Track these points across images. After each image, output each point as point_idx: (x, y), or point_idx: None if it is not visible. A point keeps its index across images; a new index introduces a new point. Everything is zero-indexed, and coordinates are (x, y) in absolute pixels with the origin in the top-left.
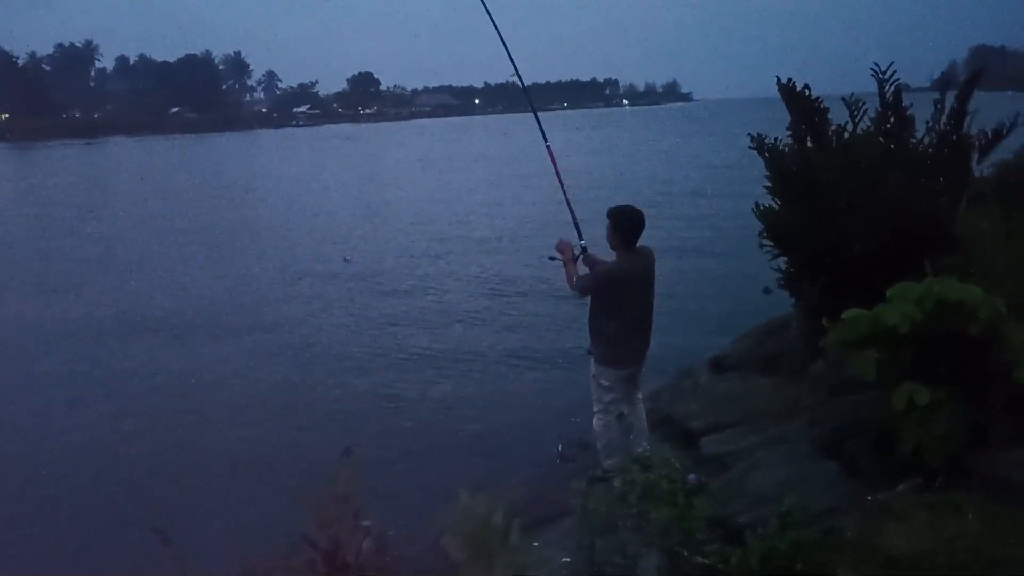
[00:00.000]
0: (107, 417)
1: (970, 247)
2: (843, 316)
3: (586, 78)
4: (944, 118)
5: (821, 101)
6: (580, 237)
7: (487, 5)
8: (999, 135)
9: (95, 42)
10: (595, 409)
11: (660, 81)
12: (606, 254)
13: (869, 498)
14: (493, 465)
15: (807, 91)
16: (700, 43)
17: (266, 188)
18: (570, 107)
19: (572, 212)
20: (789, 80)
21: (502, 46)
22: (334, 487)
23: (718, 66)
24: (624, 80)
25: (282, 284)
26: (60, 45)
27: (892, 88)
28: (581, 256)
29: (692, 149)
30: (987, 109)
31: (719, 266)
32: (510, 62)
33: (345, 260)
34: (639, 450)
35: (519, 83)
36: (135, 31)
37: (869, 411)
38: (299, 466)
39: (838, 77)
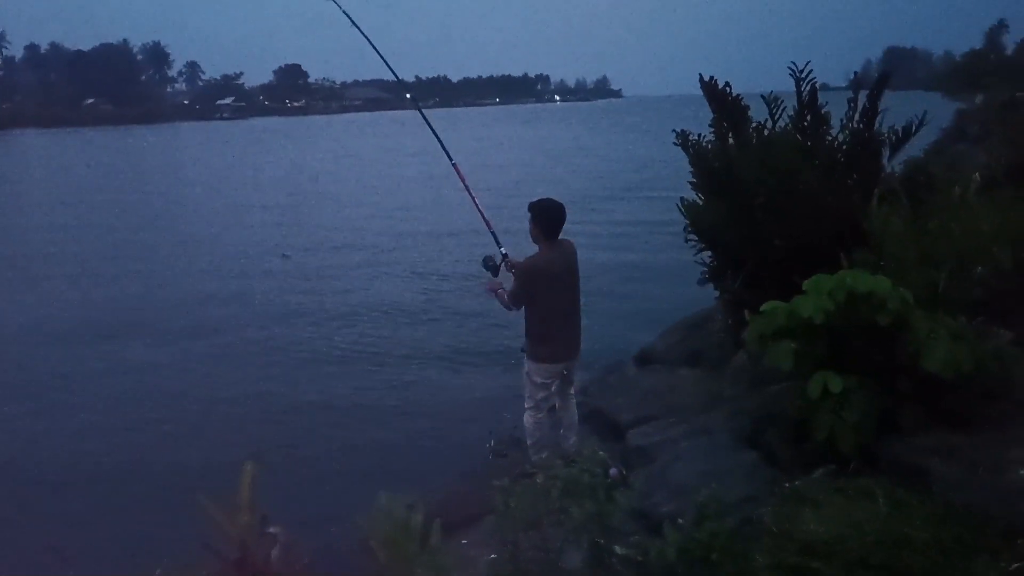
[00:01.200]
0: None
1: (880, 241)
2: (761, 309)
3: (518, 73)
4: (856, 116)
5: (741, 99)
6: (499, 245)
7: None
8: (908, 133)
9: (2, 29)
10: (527, 405)
11: (591, 77)
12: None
13: (787, 485)
14: (423, 464)
15: (728, 89)
16: (630, 41)
17: (190, 184)
18: (502, 102)
19: (488, 224)
20: (711, 78)
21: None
22: (239, 493)
23: (647, 63)
24: (555, 76)
25: (208, 283)
26: None
27: (808, 87)
28: (502, 263)
29: (621, 145)
30: (898, 108)
31: (646, 261)
32: (389, 69)
33: (283, 256)
34: (568, 444)
35: (395, 77)
36: (46, 18)
37: (786, 401)
38: (206, 474)
39: (762, 75)
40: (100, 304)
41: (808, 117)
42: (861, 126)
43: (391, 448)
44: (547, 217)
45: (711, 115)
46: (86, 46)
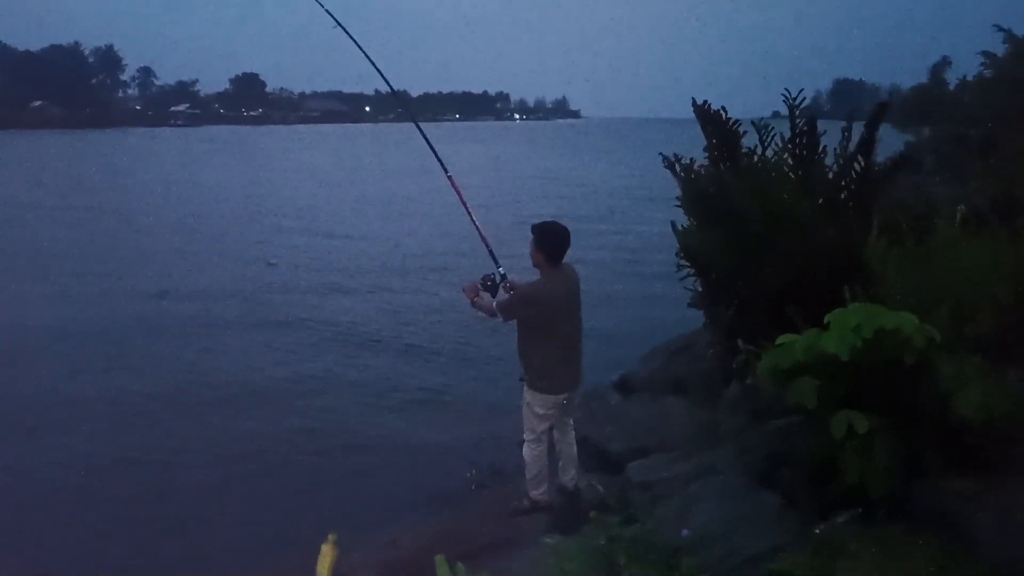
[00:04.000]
0: None
1: (880, 277)
2: (778, 341)
3: (478, 91)
4: (850, 146)
5: (739, 124)
6: (497, 264)
7: (348, 32)
8: (900, 164)
9: None
10: (526, 438)
11: (550, 97)
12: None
13: (817, 531)
14: (402, 499)
15: (724, 113)
16: (588, 63)
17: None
18: (461, 118)
19: (485, 240)
20: (704, 102)
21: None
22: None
23: (604, 86)
24: (515, 95)
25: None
26: None
27: (805, 116)
28: (502, 284)
29: (586, 167)
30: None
31: (617, 286)
32: (384, 80)
33: (269, 263)
34: (567, 478)
35: (392, 93)
36: None
37: (802, 439)
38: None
39: (715, 100)
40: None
41: (802, 146)
42: (856, 157)
43: (368, 478)
44: (552, 241)
45: (663, 138)
46: (35, 47)
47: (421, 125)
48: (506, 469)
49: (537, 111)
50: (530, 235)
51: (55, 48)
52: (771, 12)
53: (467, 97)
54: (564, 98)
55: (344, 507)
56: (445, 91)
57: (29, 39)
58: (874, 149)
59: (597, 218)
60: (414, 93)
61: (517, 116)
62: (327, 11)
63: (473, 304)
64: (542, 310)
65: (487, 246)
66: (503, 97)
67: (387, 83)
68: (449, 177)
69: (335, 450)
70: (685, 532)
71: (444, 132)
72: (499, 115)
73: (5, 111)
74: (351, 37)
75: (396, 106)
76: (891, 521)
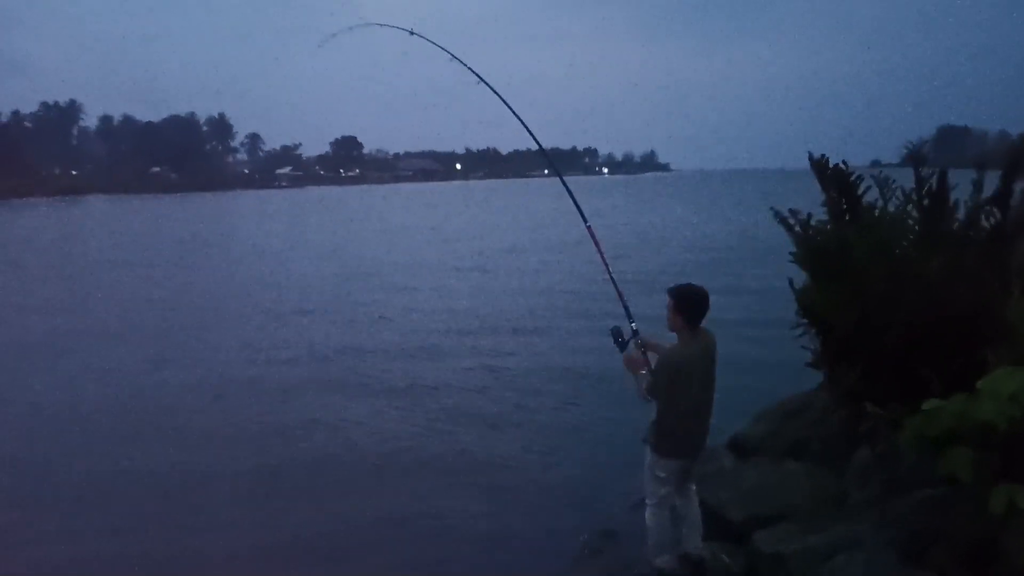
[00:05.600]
0: None
1: None
2: (924, 407)
3: (567, 146)
4: (981, 199)
5: (862, 178)
6: (630, 319)
7: (493, 88)
8: None
9: (79, 101)
10: (649, 502)
11: (639, 151)
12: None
13: None
14: (511, 560)
15: (845, 167)
16: (675, 118)
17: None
18: (550, 174)
19: (620, 294)
20: (822, 156)
21: (511, 117)
22: None
23: (691, 139)
24: (603, 149)
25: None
26: (44, 104)
27: (936, 171)
28: (632, 339)
29: (685, 219)
30: (962, 186)
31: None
32: (529, 134)
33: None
34: (691, 545)
35: (541, 149)
36: (120, 91)
37: (956, 514)
38: None
39: (816, 150)
40: None
41: (930, 199)
42: (989, 210)
43: (480, 539)
44: (691, 304)
45: (755, 189)
46: (156, 117)
47: (519, 180)
48: (621, 533)
49: (625, 164)
50: (668, 298)
51: (173, 118)
52: (858, 60)
53: (555, 153)
54: (652, 151)
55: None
56: (534, 148)
57: (149, 111)
58: (1010, 201)
59: (695, 273)
60: (503, 151)
61: (605, 170)
62: (470, 68)
63: (634, 375)
64: (678, 375)
65: (622, 300)
66: (591, 152)
67: (535, 140)
68: (588, 228)
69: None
70: None
71: (533, 187)
72: (587, 169)
73: (129, 178)
74: (496, 92)
75: (485, 164)
76: None
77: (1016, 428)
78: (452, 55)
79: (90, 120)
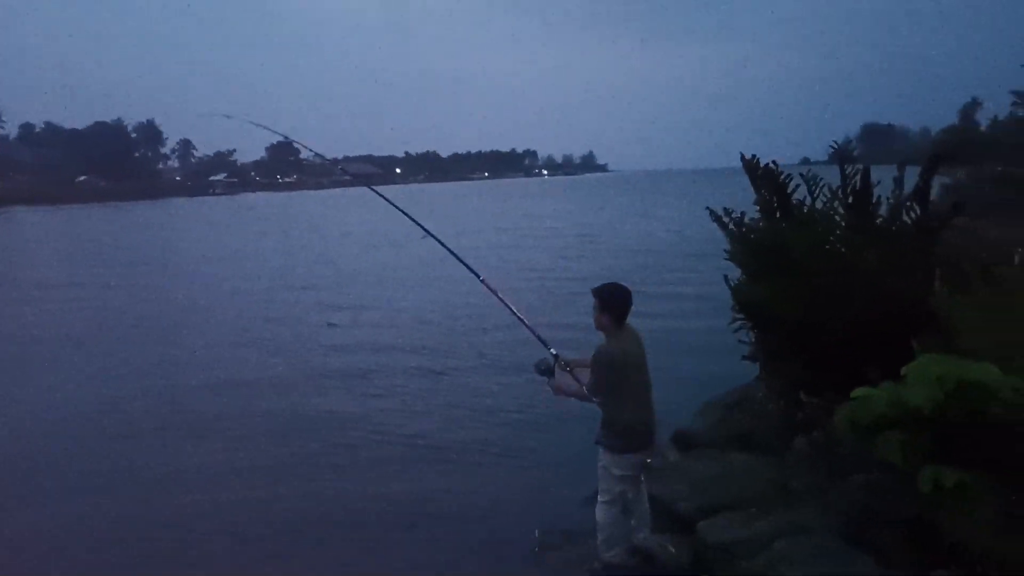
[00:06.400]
0: None
1: (950, 325)
2: (854, 395)
3: (506, 149)
4: (902, 194)
5: (791, 177)
6: (547, 346)
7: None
8: (958, 210)
9: None
10: (602, 499)
11: (578, 152)
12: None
13: None
14: (464, 562)
15: (775, 166)
16: (614, 117)
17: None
18: (491, 176)
19: (531, 329)
20: (753, 156)
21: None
22: None
23: (631, 139)
24: (543, 151)
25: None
26: None
27: (858, 167)
28: (556, 364)
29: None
30: (887, 181)
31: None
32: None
33: (329, 325)
34: (640, 538)
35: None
36: (41, 98)
37: (893, 496)
38: None
39: (743, 150)
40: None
41: (855, 196)
42: (912, 205)
43: (430, 539)
44: (616, 302)
45: (693, 190)
46: (81, 124)
47: (460, 183)
48: (572, 530)
49: (565, 166)
50: (593, 299)
51: (100, 125)
52: (789, 60)
53: (496, 155)
54: (591, 153)
55: (400, 568)
56: (474, 151)
57: (74, 118)
58: (929, 196)
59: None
60: (444, 153)
61: (545, 172)
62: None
63: (568, 395)
64: (615, 372)
65: (534, 333)
66: (531, 154)
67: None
68: (483, 281)
69: (393, 506)
70: None
71: (473, 189)
72: (527, 171)
73: (54, 187)
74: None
75: (425, 168)
76: None
77: (941, 411)
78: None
79: (10, 128)
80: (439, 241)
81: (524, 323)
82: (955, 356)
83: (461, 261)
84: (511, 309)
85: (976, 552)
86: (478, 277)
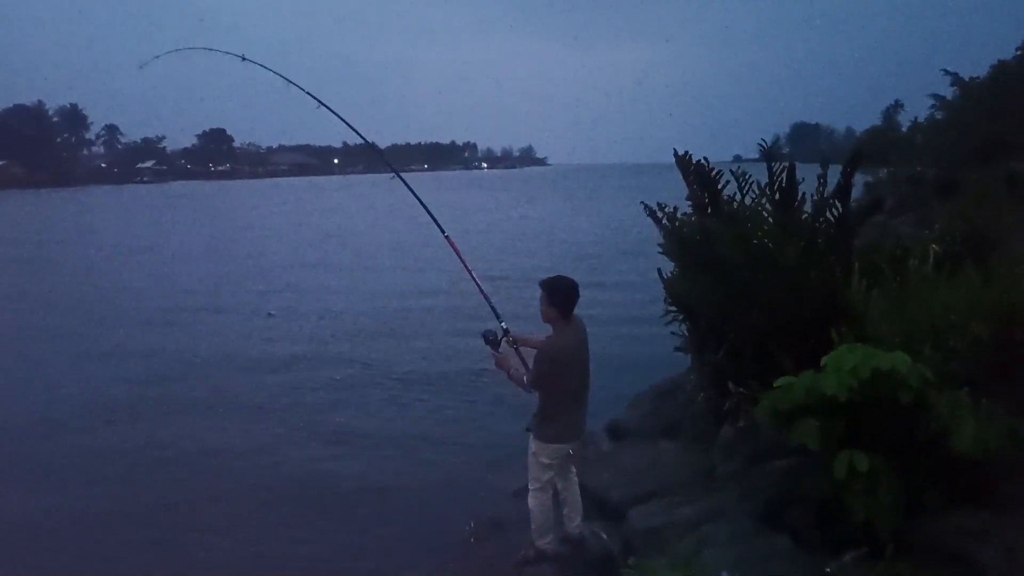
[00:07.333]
0: None
1: (862, 317)
2: (776, 384)
3: (445, 141)
4: (825, 192)
5: (721, 174)
6: (499, 318)
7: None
8: (876, 207)
9: None
10: (531, 487)
11: (516, 146)
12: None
13: (828, 570)
14: (398, 553)
15: (706, 163)
16: (552, 113)
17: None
18: (429, 168)
19: (486, 297)
20: (685, 152)
21: (355, 112)
22: None
23: (569, 133)
24: (482, 144)
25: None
26: None
27: (785, 165)
28: (504, 338)
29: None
30: (812, 179)
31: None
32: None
33: (269, 315)
34: (572, 526)
35: (364, 141)
36: None
37: (806, 480)
38: None
39: (678, 146)
40: None
41: (782, 193)
42: (833, 202)
43: (365, 532)
44: (563, 295)
45: (629, 184)
46: None
47: (379, 176)
48: (505, 521)
49: (504, 159)
50: (540, 291)
51: (18, 108)
52: (723, 59)
53: (435, 147)
54: (531, 146)
55: (336, 560)
56: (413, 142)
57: None
58: (850, 194)
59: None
60: (382, 144)
61: (484, 165)
62: (311, 95)
63: (509, 376)
64: (558, 364)
65: (489, 302)
66: (470, 147)
67: (362, 137)
68: (447, 238)
69: (327, 497)
70: (724, 574)
71: (413, 182)
72: (467, 164)
73: None
74: (335, 114)
75: (363, 158)
76: (898, 558)
77: (856, 399)
78: (288, 80)
79: None
80: (423, 204)
81: (481, 290)
82: (870, 346)
83: (432, 218)
84: (470, 274)
85: (884, 531)
86: (443, 232)
